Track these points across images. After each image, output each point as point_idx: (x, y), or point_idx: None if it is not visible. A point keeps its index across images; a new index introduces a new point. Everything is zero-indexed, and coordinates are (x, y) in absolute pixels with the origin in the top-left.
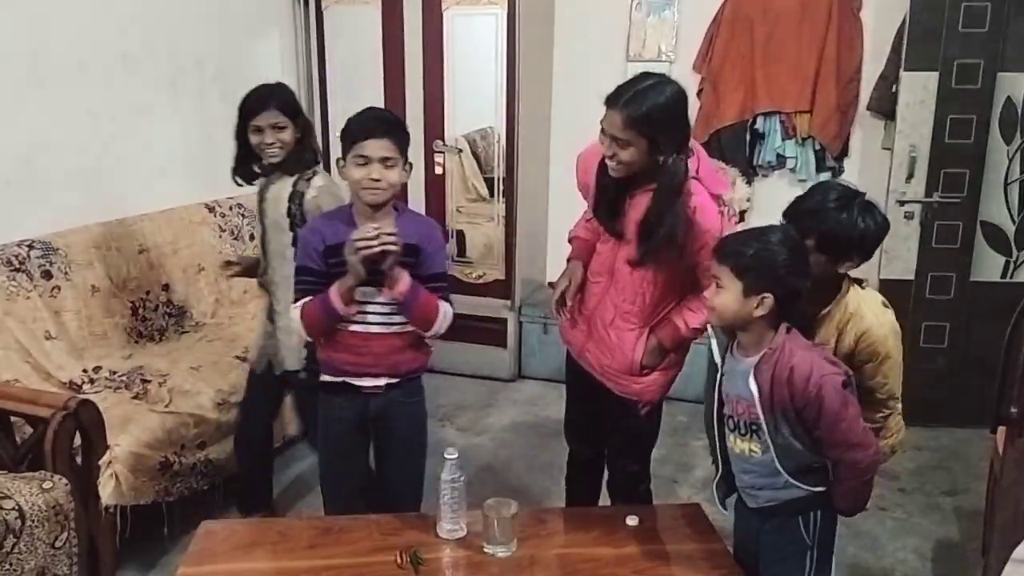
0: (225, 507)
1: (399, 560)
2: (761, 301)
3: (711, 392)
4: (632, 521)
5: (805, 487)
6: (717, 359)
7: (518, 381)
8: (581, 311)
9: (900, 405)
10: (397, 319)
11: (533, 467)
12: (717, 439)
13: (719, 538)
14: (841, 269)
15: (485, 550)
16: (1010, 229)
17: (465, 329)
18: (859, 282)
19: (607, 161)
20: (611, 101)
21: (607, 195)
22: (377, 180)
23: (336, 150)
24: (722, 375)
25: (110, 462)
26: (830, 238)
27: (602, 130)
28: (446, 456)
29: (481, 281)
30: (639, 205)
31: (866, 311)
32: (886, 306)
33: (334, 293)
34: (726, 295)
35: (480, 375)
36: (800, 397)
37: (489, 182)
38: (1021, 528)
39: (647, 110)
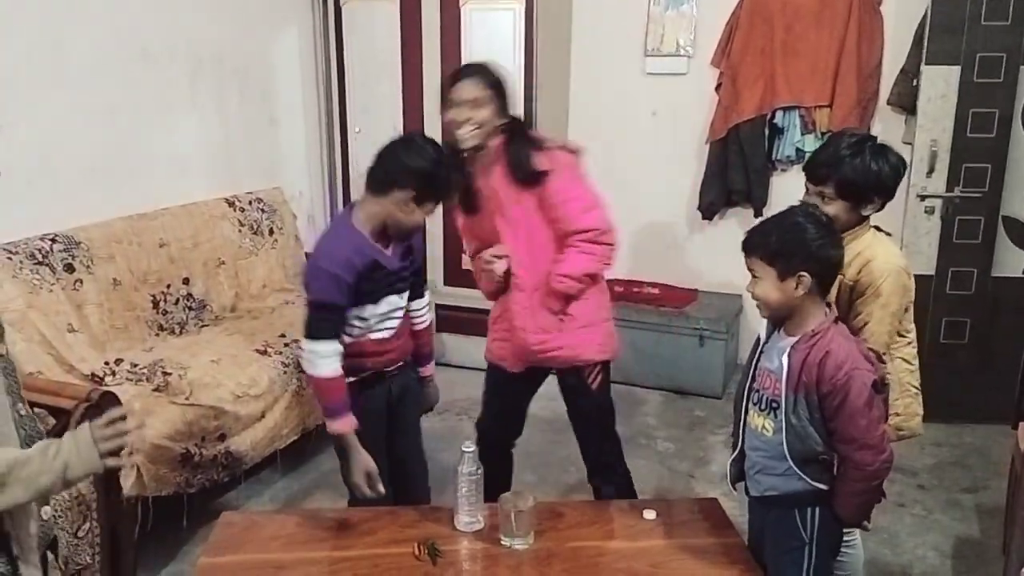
0: (246, 499)
1: (417, 552)
2: (799, 281)
3: (748, 366)
4: (649, 515)
5: (807, 479)
6: (763, 334)
7: None
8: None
9: (919, 392)
10: (402, 312)
11: (550, 461)
12: (741, 413)
13: (736, 532)
14: (864, 212)
15: (502, 543)
16: None
17: (481, 324)
18: (885, 233)
19: (461, 131)
20: (463, 72)
21: (467, 187)
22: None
23: (355, 147)
24: (762, 350)
25: (131, 453)
26: (848, 184)
27: (453, 104)
28: (464, 449)
29: None
30: (489, 171)
31: (879, 250)
32: (902, 257)
33: (349, 424)
34: (764, 284)
35: None
36: (828, 383)
37: None
38: None
39: (496, 75)
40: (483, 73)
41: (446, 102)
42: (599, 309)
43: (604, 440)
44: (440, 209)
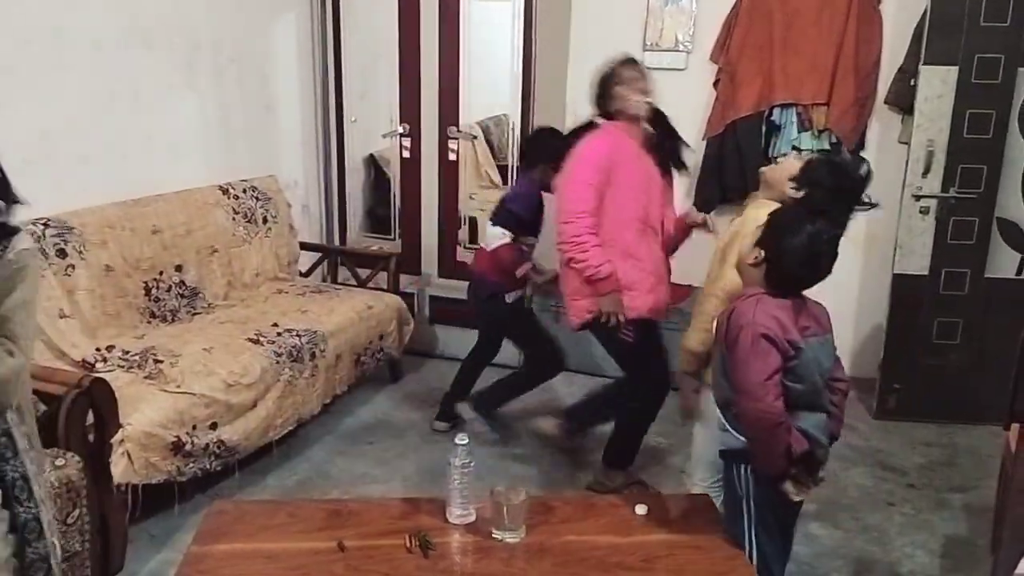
0: (240, 489)
1: (408, 544)
2: (758, 253)
3: None
4: (641, 510)
5: (732, 432)
6: None
7: None
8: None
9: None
10: None
11: (545, 453)
12: None
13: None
14: None
15: (494, 536)
16: None
17: (474, 316)
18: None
19: (647, 102)
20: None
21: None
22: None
23: (351, 136)
24: None
25: (122, 440)
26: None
27: (644, 79)
28: (457, 442)
29: None
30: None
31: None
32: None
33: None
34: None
35: (495, 362)
36: (729, 335)
37: (502, 169)
38: None
39: None
40: None
41: (631, 79)
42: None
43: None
44: (436, 195)
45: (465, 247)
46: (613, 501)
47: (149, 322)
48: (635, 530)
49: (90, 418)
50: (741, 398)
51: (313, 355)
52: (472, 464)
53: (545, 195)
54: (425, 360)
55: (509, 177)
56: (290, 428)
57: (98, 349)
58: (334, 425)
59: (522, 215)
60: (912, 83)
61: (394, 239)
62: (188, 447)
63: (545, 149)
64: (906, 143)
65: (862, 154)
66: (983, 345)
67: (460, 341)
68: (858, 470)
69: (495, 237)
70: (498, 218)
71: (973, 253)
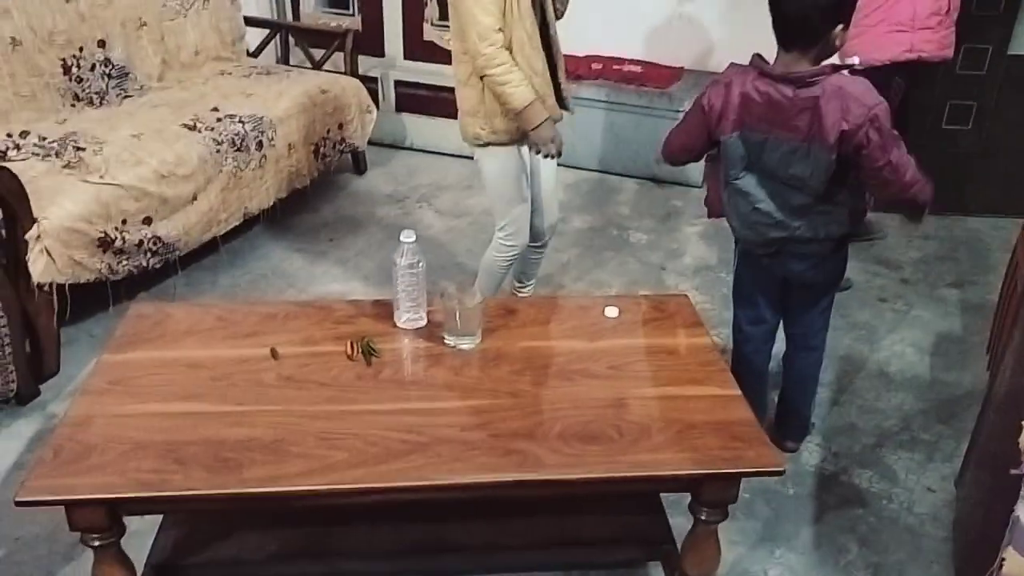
0: (184, 287)
1: (349, 351)
2: None
3: None
4: (611, 312)
5: None
6: None
7: None
8: None
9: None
10: None
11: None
12: None
13: (704, 331)
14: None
15: (446, 342)
16: None
17: (445, 103)
18: None
19: None
20: None
21: None
22: None
23: None
24: None
25: (39, 236)
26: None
27: None
28: (403, 239)
29: None
30: None
31: None
32: None
33: None
34: None
35: (462, 154)
36: (851, 122)
37: None
38: None
39: None
40: None
41: None
42: None
43: None
44: None
45: (433, 24)
46: (581, 303)
47: (73, 106)
48: (603, 334)
49: (1, 214)
50: (910, 177)
51: (260, 144)
52: (420, 264)
53: None
54: (394, 152)
55: None
56: (236, 223)
57: (10, 135)
58: (293, 222)
59: None
60: None
61: (353, 15)
62: (118, 243)
63: None
64: None
65: None
66: (997, 130)
67: (430, 131)
68: (849, 264)
69: None
70: None
71: (999, 26)
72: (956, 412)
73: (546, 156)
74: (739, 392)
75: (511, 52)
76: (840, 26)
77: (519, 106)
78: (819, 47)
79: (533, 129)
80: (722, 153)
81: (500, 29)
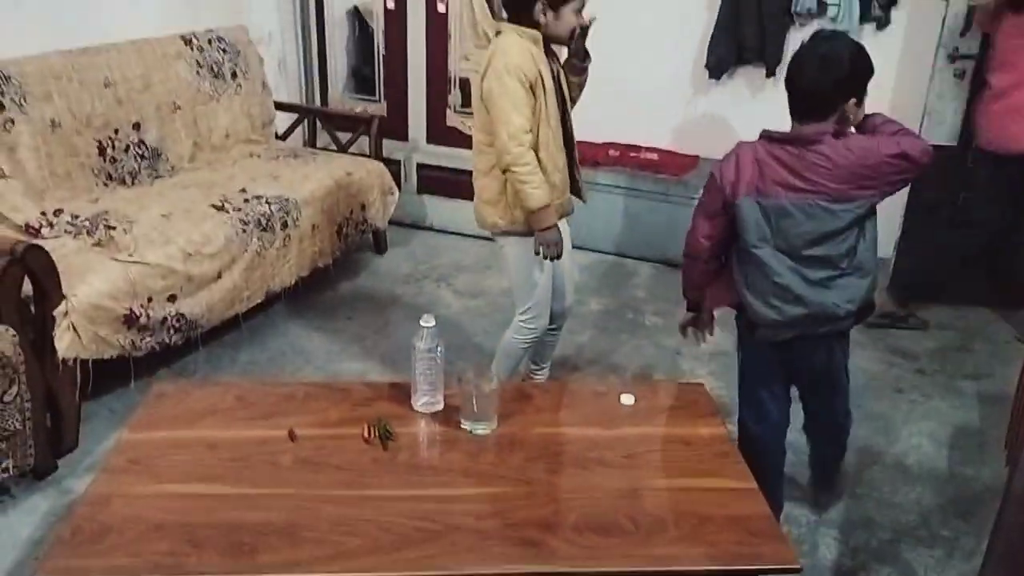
0: (207, 364)
1: (366, 434)
2: None
3: None
4: (627, 400)
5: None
6: None
7: None
8: None
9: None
10: None
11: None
12: None
13: (720, 421)
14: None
15: (463, 426)
16: None
17: (465, 186)
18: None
19: None
20: None
21: None
22: None
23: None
24: None
25: (66, 313)
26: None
27: None
28: (422, 323)
29: None
30: None
31: None
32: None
33: None
34: None
35: (481, 235)
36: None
37: None
38: None
39: None
40: None
41: None
42: None
43: None
44: (424, 52)
45: (456, 111)
46: (597, 389)
47: (106, 185)
48: (619, 422)
49: (30, 289)
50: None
51: (285, 224)
52: (440, 349)
53: None
54: (414, 232)
55: None
56: (258, 301)
57: (44, 213)
58: (313, 299)
59: None
60: None
61: (379, 101)
62: (143, 320)
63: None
64: None
65: (894, 10)
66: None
67: (450, 212)
68: (865, 354)
69: None
70: None
71: None
72: (975, 508)
73: (545, 258)
74: (754, 485)
75: (536, 151)
76: (852, 100)
77: (535, 207)
78: (831, 121)
79: (540, 231)
80: (738, 220)
81: (530, 130)
